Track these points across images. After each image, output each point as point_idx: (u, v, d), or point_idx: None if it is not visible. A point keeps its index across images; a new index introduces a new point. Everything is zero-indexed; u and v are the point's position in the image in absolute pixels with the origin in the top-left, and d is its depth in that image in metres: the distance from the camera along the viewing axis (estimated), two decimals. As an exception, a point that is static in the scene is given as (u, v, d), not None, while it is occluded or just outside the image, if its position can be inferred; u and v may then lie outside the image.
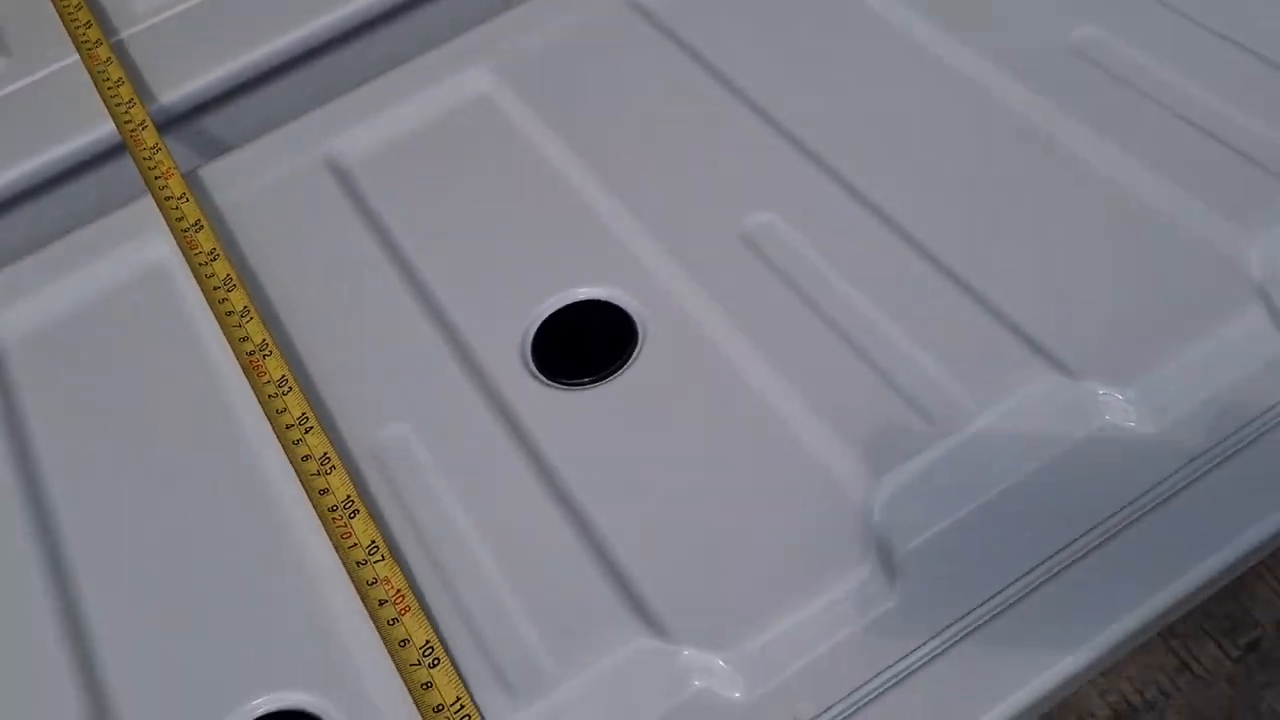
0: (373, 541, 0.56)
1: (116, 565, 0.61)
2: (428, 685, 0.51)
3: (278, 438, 0.61)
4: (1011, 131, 0.71)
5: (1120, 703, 0.83)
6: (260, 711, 0.54)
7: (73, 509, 0.64)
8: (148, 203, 0.76)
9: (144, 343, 0.70)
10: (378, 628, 0.54)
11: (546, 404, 0.63)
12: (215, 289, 0.68)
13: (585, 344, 0.66)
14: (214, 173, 0.79)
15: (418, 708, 0.51)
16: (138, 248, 0.75)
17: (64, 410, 0.68)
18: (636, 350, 0.64)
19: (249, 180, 0.78)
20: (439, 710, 0.50)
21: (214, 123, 0.86)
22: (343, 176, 0.76)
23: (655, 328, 0.65)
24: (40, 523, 0.63)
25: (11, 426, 0.67)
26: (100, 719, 0.55)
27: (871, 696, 0.51)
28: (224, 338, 0.67)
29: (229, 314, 0.67)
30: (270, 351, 0.64)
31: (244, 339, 0.65)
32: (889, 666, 0.52)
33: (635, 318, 0.66)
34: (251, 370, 0.64)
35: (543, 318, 0.67)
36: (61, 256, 0.75)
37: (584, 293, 0.68)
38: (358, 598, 0.55)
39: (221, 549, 0.60)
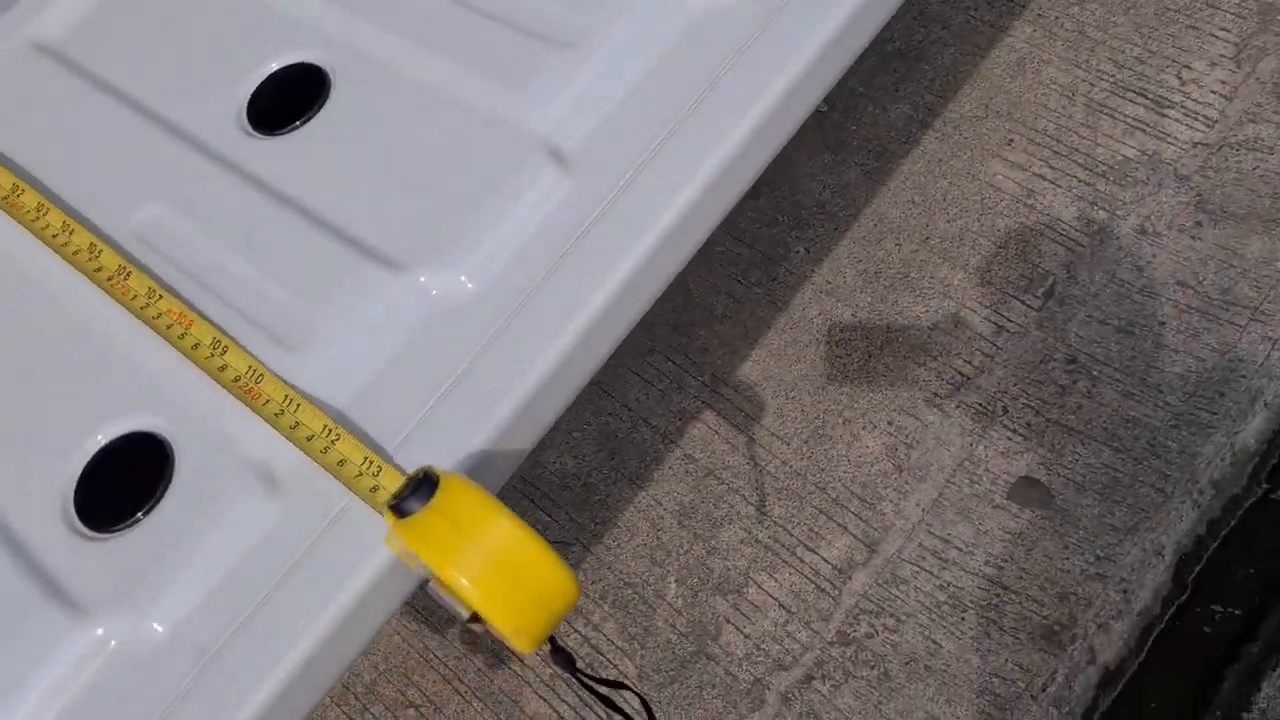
0: (149, 289, 0.66)
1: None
2: (223, 368, 0.63)
3: (51, 248, 0.71)
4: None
5: (955, 376, 0.98)
6: (102, 443, 0.63)
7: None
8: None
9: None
10: (174, 345, 0.65)
11: (266, 150, 0.73)
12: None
13: (290, 101, 0.75)
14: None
15: (222, 385, 0.62)
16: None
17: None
18: (329, 93, 0.74)
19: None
20: (237, 380, 0.62)
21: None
22: (52, 53, 0.83)
23: (342, 72, 0.75)
24: None
25: None
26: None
27: (568, 250, 0.64)
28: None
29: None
30: (23, 190, 0.73)
31: (23, 207, 0.73)
32: (578, 228, 0.64)
33: (326, 70, 0.76)
34: (14, 210, 0.73)
35: (252, 89, 0.76)
36: None
37: (276, 64, 0.77)
38: (154, 334, 0.65)
39: (32, 340, 0.69)
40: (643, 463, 1.00)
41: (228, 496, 0.59)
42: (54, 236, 0.71)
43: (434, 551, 0.50)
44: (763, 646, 0.90)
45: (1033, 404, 0.94)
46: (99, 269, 0.68)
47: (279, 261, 0.68)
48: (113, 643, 0.56)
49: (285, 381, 0.61)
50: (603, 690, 0.57)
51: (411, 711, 0.94)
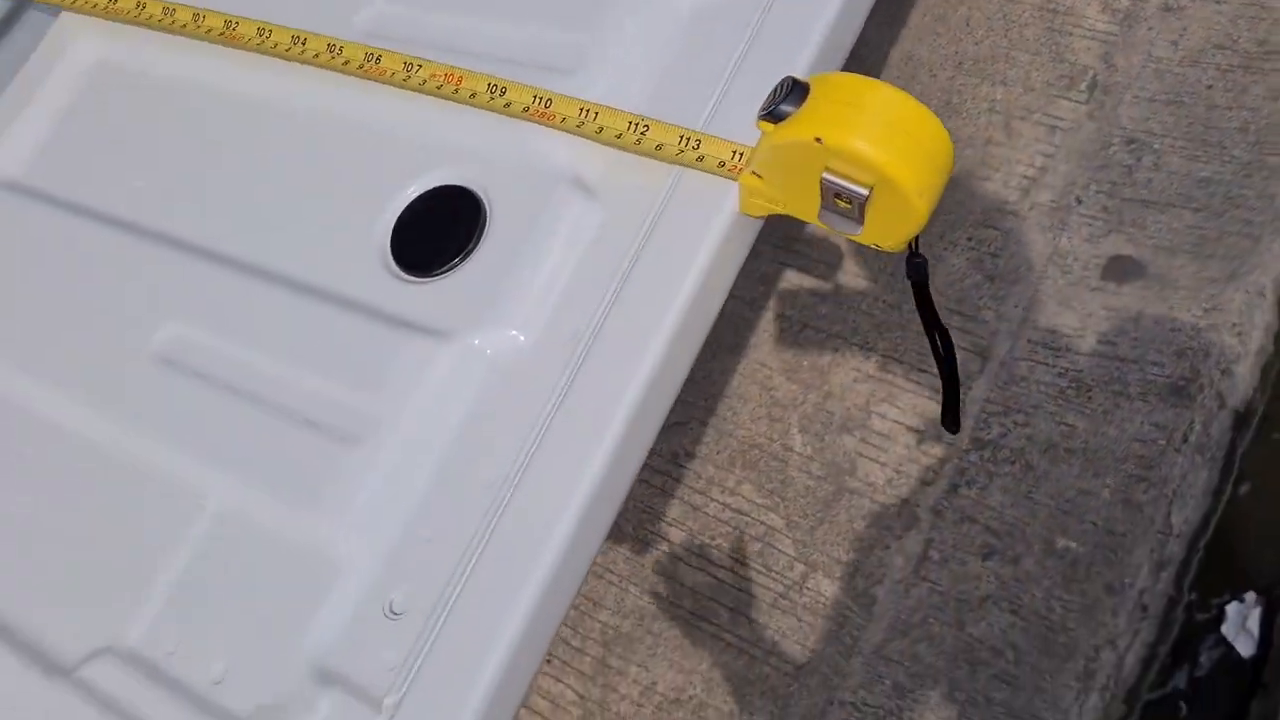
0: (405, 63, 0.67)
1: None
2: (508, 105, 0.63)
3: (287, 59, 0.72)
4: None
5: (1020, 180, 0.99)
6: (413, 195, 0.66)
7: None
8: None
9: (148, 96, 0.79)
10: (450, 100, 0.66)
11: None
12: (182, 27, 0.76)
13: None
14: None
15: (511, 118, 0.63)
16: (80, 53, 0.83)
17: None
18: None
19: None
20: (526, 110, 0.62)
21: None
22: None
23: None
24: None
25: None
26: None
27: None
28: (216, 51, 0.76)
29: (209, 31, 0.75)
30: (237, 23, 0.74)
31: (243, 37, 0.74)
32: None
33: None
34: (236, 40, 0.74)
35: None
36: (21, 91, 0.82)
37: None
38: (425, 98, 0.67)
39: (305, 143, 0.72)
40: (738, 332, 1.01)
41: (548, 212, 0.61)
42: (287, 50, 0.72)
43: (832, 127, 0.51)
44: (902, 469, 0.92)
45: (1104, 188, 0.96)
46: (346, 62, 0.69)
47: (525, 6, 0.69)
48: (488, 351, 0.57)
49: (575, 98, 0.62)
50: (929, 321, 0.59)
51: (572, 612, 0.95)
